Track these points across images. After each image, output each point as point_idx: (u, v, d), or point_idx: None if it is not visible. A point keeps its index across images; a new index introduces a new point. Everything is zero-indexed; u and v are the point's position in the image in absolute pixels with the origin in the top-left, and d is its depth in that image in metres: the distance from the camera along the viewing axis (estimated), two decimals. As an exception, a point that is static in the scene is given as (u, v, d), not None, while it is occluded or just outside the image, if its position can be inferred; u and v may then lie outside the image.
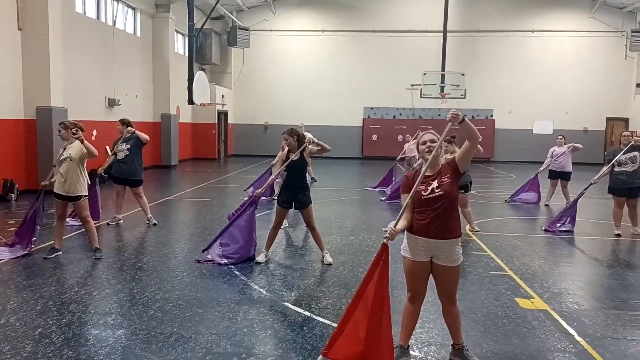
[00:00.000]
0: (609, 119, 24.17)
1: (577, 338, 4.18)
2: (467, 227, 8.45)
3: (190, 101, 16.23)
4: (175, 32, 19.82)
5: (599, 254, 7.37)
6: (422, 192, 3.49)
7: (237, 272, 5.87)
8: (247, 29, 22.98)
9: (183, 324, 4.37)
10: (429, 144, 3.56)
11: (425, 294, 3.69)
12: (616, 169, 8.17)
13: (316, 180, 14.86)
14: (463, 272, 6.03)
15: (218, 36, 23.70)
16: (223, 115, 24.11)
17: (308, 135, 14.51)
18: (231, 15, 23.34)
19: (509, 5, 23.94)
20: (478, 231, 8.31)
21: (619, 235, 8.17)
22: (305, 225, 6.59)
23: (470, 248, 7.32)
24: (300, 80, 24.80)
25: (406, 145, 13.66)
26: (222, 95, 23.12)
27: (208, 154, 22.88)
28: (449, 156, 7.51)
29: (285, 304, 4.90)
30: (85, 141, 6.11)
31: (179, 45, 21.15)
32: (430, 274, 3.62)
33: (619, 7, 23.28)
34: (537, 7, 23.83)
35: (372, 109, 24.69)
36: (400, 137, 23.21)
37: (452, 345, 3.78)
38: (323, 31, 24.69)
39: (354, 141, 24.99)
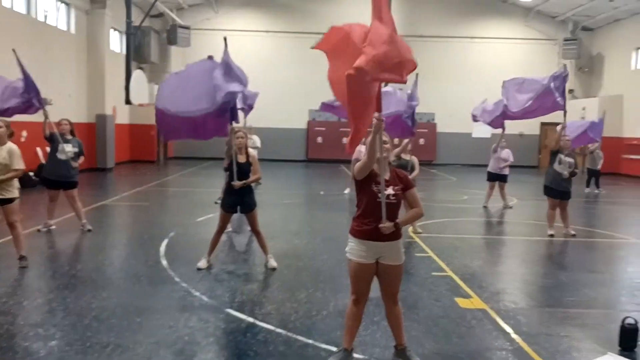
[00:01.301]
0: (543, 124, 25.34)
1: (514, 336, 4.32)
2: (410, 229, 8.59)
3: (128, 101, 15.70)
4: (111, 30, 19.09)
5: (533, 254, 7.69)
6: (379, 194, 3.49)
7: (177, 279, 5.69)
8: (188, 28, 22.51)
9: (120, 333, 4.18)
10: (387, 145, 3.59)
11: (369, 296, 3.70)
12: (557, 167, 8.40)
13: (261, 184, 14.72)
14: (406, 274, 6.10)
15: (157, 34, 23.03)
16: (165, 116, 23.48)
17: (254, 139, 14.41)
18: (171, 13, 22.78)
19: (449, 12, 24.65)
20: (421, 233, 8.47)
21: (552, 235, 8.53)
22: (249, 229, 6.48)
23: (413, 250, 7.44)
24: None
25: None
26: (164, 96, 22.51)
27: (147, 157, 22.18)
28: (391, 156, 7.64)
29: (228, 310, 4.79)
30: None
31: (116, 43, 20.38)
32: (375, 276, 3.64)
33: (551, 16, 24.48)
34: (476, 15, 24.66)
35: (317, 111, 24.72)
36: (345, 140, 23.38)
37: (394, 346, 3.81)
38: (267, 32, 24.55)
39: (299, 144, 24.99)
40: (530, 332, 4.41)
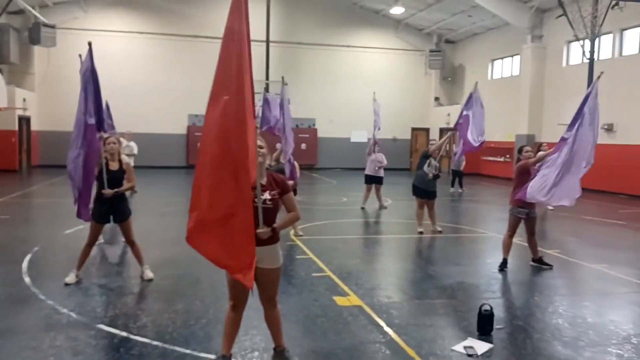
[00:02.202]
0: (413, 129, 27.13)
1: (386, 329, 4.59)
2: (292, 232, 8.75)
3: (-17, 105, 14.15)
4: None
5: (405, 250, 8.22)
6: (254, 199, 3.49)
7: (42, 297, 5.25)
8: (54, 27, 20.86)
9: (-29, 363, 3.77)
10: (257, 149, 3.55)
11: (247, 301, 3.72)
12: (425, 169, 9.10)
13: (136, 192, 14.05)
14: (287, 276, 6.23)
15: (17, 33, 21.04)
16: (25, 121, 21.46)
17: (131, 145, 13.72)
18: (33, 10, 20.90)
19: (325, 21, 25.45)
20: (302, 236, 8.65)
21: (421, 232, 9.19)
22: (123, 240, 6.17)
23: (295, 252, 7.58)
24: (118, 85, 23.15)
25: None
26: (24, 99, 20.64)
27: (7, 165, 20.07)
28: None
29: (100, 325, 4.52)
30: None
31: (-31, 40, 18.30)
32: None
33: (418, 29, 26.31)
34: (350, 24, 25.73)
35: (197, 116, 24.14)
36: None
37: (273, 348, 3.87)
38: (141, 33, 23.51)
39: (179, 149, 24.22)
40: (401, 324, 4.71)
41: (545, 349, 4.25)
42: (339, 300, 5.35)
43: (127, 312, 4.90)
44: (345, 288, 5.80)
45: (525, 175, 6.71)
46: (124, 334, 4.35)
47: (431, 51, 25.75)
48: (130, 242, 6.00)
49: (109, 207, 5.81)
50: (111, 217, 5.88)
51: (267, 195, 3.54)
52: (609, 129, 16.91)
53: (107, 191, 5.66)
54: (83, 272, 5.95)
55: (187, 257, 7.09)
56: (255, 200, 3.48)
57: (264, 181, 3.60)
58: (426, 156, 9.23)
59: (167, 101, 23.66)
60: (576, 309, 5.29)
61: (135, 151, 13.58)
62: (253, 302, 3.88)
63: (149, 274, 5.98)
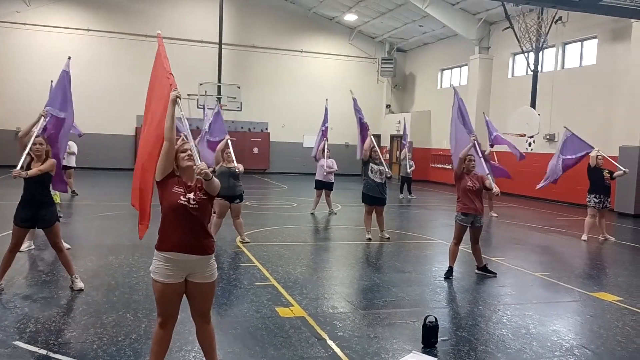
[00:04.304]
0: (365, 135, 27.28)
1: (329, 342, 4.41)
2: (238, 238, 8.47)
3: None
4: None
5: (352, 257, 8.09)
6: (181, 196, 3.27)
7: (-46, 310, 4.78)
8: (-8, 19, 19.75)
9: None
10: (189, 152, 3.38)
11: (177, 318, 3.45)
12: (371, 175, 9.05)
13: (77, 194, 13.38)
14: (229, 286, 5.97)
15: (-50, 25, 19.81)
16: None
17: (69, 145, 13.02)
18: (-33, 1, 19.76)
19: (279, 26, 25.26)
20: (248, 242, 8.38)
21: (369, 239, 9.11)
22: (51, 246, 5.73)
23: (239, 260, 7.31)
24: (62, 82, 22.23)
25: None
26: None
27: None
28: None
29: (16, 342, 4.12)
30: None
31: None
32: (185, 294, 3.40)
33: (371, 36, 26.53)
34: (304, 30, 25.67)
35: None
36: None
37: (206, 368, 3.61)
38: (88, 30, 22.61)
39: (126, 151, 23.37)
40: (345, 336, 4.54)
41: (489, 361, 4.18)
42: (282, 312, 5.13)
43: (50, 327, 4.50)
44: (289, 298, 5.59)
45: (458, 181, 6.79)
46: (43, 351, 3.98)
47: (383, 59, 26.03)
48: (57, 248, 5.58)
49: (32, 211, 5.39)
50: (36, 223, 5.46)
51: (191, 195, 3.30)
52: (550, 139, 17.49)
53: (16, 171, 5.19)
54: (5, 281, 5.48)
55: (125, 265, 6.72)
56: (181, 198, 3.26)
57: (191, 183, 3.37)
58: (365, 162, 9.20)
59: (113, 101, 22.84)
60: (519, 318, 5.28)
61: (74, 149, 12.94)
62: (188, 315, 3.62)
63: (79, 283, 5.58)
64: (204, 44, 23.48)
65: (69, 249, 6.77)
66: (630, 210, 14.34)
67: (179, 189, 3.30)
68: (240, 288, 5.94)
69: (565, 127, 10.69)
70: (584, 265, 8.51)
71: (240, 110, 22.42)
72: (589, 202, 10.33)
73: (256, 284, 6.14)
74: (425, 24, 22.59)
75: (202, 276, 3.35)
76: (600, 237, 10.29)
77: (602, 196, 10.21)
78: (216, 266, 3.48)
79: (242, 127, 24.90)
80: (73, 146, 13.16)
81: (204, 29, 23.39)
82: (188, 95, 22.75)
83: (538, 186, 11.27)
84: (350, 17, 24.57)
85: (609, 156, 10.79)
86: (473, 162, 6.86)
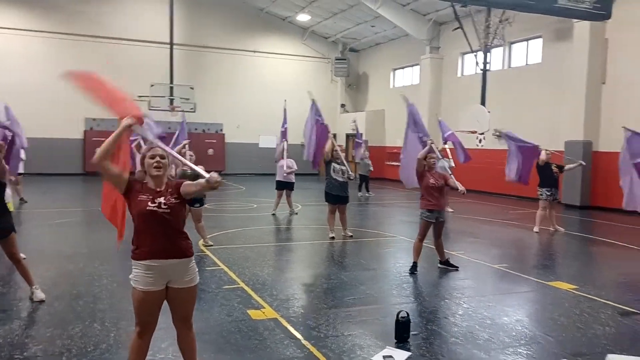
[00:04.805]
0: (321, 135, 27.41)
1: (304, 342, 4.43)
2: (201, 242, 8.36)
3: None
4: None
5: (317, 256, 8.14)
6: (149, 202, 3.20)
7: None
8: None
9: None
10: (158, 159, 3.30)
11: (156, 326, 3.39)
12: (333, 174, 9.15)
13: (27, 202, 12.82)
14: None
15: None
16: None
17: None
18: None
19: (232, 25, 24.99)
20: (211, 245, 8.29)
21: (332, 238, 9.19)
22: (7, 257, 5.49)
23: (204, 264, 7.21)
24: (8, 85, 21.17)
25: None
26: None
27: None
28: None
29: (-23, 360, 3.94)
30: None
31: None
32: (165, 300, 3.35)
33: (324, 37, 26.67)
34: (257, 30, 25.51)
35: (94, 120, 22.68)
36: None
37: (185, 374, 3.56)
38: (35, 31, 21.65)
39: (75, 156, 22.57)
40: (319, 336, 4.58)
41: (462, 352, 4.31)
42: (254, 314, 5.12)
43: (13, 341, 4.31)
44: (260, 300, 5.58)
45: (421, 179, 6.96)
46: (8, 367, 3.82)
47: (337, 59, 26.23)
48: (14, 259, 5.35)
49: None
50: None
51: (161, 200, 3.25)
52: (500, 135, 18.11)
53: None
54: (-42, 296, 5.21)
55: (85, 274, 6.51)
56: (149, 204, 3.19)
57: (160, 188, 3.31)
58: (328, 162, 9.31)
59: (62, 104, 21.90)
60: (484, 309, 5.47)
61: (22, 155, 12.37)
62: (162, 320, 3.55)
63: (39, 294, 5.36)
64: (155, 45, 22.93)
65: (24, 258, 6.49)
66: (577, 202, 15.07)
67: (144, 197, 3.23)
68: (209, 292, 5.87)
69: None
70: (539, 256, 8.89)
71: (194, 111, 22.04)
72: (540, 195, 10.79)
73: (224, 287, 6.08)
74: (377, 24, 22.91)
75: (183, 281, 3.30)
76: (551, 229, 10.76)
77: (552, 189, 10.69)
78: (197, 270, 3.44)
79: (196, 129, 24.48)
80: (20, 152, 12.60)
81: (154, 29, 22.83)
82: (139, 97, 22.24)
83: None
84: (303, 17, 24.61)
85: (555, 151, 11.23)
86: (433, 159, 7.03)
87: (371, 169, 17.26)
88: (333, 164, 9.17)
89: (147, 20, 23.16)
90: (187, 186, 3.31)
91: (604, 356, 3.91)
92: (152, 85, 21.05)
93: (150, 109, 21.39)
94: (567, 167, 11.04)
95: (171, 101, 21.31)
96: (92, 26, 22.49)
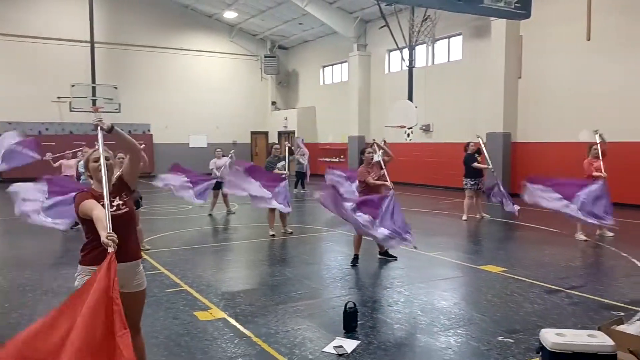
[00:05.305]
0: (253, 133, 27.26)
1: (255, 339, 4.48)
2: (137, 246, 8.13)
3: None
4: None
5: (260, 254, 8.17)
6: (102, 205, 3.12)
7: None
8: None
9: None
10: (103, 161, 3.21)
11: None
12: (276, 171, 9.22)
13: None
14: (139, 296, 5.75)
15: None
16: None
17: None
18: None
19: (156, 23, 24.25)
20: (150, 249, 8.09)
21: (273, 235, 9.24)
22: None
23: (144, 268, 7.02)
24: None
25: (64, 162, 12.53)
26: None
27: None
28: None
29: None
30: None
31: None
32: None
33: (252, 34, 26.50)
34: (183, 27, 24.90)
35: (10, 123, 21.25)
36: (49, 155, 20.80)
37: (137, 379, 3.50)
38: None
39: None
40: (269, 332, 4.64)
41: (406, 337, 4.53)
42: (201, 315, 5.09)
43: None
44: (206, 301, 5.55)
45: (364, 178, 7.11)
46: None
47: (266, 57, 26.16)
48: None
49: None
50: None
51: (118, 201, 3.20)
52: (426, 129, 18.87)
53: None
54: None
55: (15, 284, 6.18)
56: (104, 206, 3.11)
57: (110, 189, 3.24)
58: (274, 161, 9.40)
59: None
60: (424, 295, 5.75)
61: None
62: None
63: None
64: (75, 43, 21.82)
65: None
66: (499, 190, 15.98)
67: (102, 202, 3.15)
68: (152, 296, 5.74)
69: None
70: (469, 242, 9.41)
71: (119, 112, 21.24)
72: (466, 185, 11.38)
73: (167, 290, 5.99)
74: (305, 22, 23.07)
75: (132, 285, 3.27)
76: (477, 216, 11.38)
77: (477, 179, 11.31)
78: (144, 273, 3.41)
79: (121, 130, 23.59)
80: None
81: (74, 27, 21.70)
82: (58, 98, 21.20)
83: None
84: (230, 15, 24.32)
85: (475, 144, 11.70)
86: (370, 153, 7.24)
87: (302, 162, 17.12)
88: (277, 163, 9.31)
89: (67, 18, 21.97)
90: (125, 167, 3.29)
91: (536, 331, 4.24)
92: (73, 86, 20.10)
93: (71, 111, 20.44)
94: (479, 162, 11.40)
95: (94, 102, 20.41)
96: (6, 24, 21.06)
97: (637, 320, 4.52)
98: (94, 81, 20.58)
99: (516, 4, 10.90)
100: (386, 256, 7.49)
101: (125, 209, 3.20)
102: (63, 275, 6.52)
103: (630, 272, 6.77)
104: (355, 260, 7.16)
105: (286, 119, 25.95)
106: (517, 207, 10.16)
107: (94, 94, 20.53)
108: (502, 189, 10.71)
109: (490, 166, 11.37)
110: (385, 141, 7.80)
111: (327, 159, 24.35)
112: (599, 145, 8.73)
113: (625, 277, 6.51)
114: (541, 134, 15.20)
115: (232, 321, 4.92)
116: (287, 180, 9.17)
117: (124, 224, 3.18)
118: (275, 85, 27.42)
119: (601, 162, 8.45)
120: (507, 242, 9.32)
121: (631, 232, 8.89)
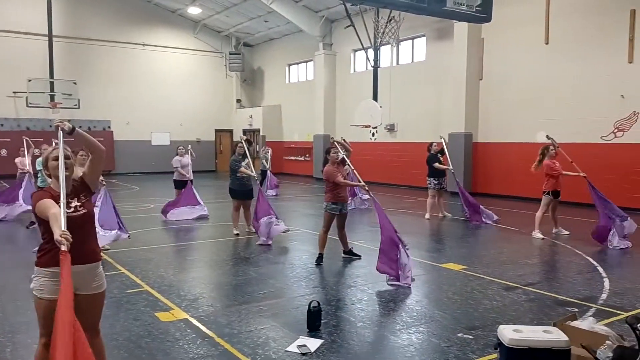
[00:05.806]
0: (217, 130, 26.98)
1: (217, 340, 4.44)
2: (96, 246, 7.93)
3: None
4: None
5: (223, 254, 8.09)
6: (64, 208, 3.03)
7: None
8: None
9: None
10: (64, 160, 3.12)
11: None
12: (238, 174, 9.16)
13: None
14: (98, 297, 5.61)
15: None
16: None
17: None
18: None
19: (117, 17, 23.69)
20: (108, 249, 7.90)
21: (237, 235, 9.17)
22: None
23: (104, 268, 6.85)
24: None
25: (18, 160, 12.09)
26: None
27: None
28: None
29: None
30: None
31: None
32: None
33: (217, 31, 26.21)
34: (146, 22, 24.42)
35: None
36: (4, 152, 20.10)
37: (95, 382, 3.42)
38: None
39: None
40: (232, 332, 4.61)
41: (370, 335, 4.58)
42: (162, 316, 5.01)
43: None
44: (167, 302, 5.47)
45: (331, 179, 7.10)
46: None
47: (231, 54, 25.95)
48: None
49: None
50: None
51: (76, 202, 3.13)
52: (391, 129, 19.08)
53: None
54: None
55: (-34, 288, 5.94)
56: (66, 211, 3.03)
57: (69, 190, 3.17)
58: (239, 160, 9.34)
59: None
60: (387, 294, 5.82)
61: None
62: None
63: None
64: (32, 37, 21.10)
65: None
66: (460, 189, 16.30)
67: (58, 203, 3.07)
68: (112, 297, 5.62)
69: None
70: (431, 240, 9.57)
71: (79, 108, 20.68)
72: (429, 184, 11.57)
73: (128, 291, 5.87)
74: (271, 19, 22.97)
75: (91, 287, 3.20)
76: (440, 215, 11.58)
77: (440, 179, 11.51)
78: (104, 274, 3.33)
79: (80, 126, 22.70)
80: None
81: (31, 19, 20.98)
82: (14, 93, 20.49)
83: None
84: (194, 10, 23.99)
85: (438, 144, 11.93)
86: (336, 153, 7.26)
87: (265, 161, 17.11)
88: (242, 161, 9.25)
89: (24, 10, 21.22)
90: (87, 167, 3.23)
91: (494, 327, 4.35)
92: (29, 81, 19.45)
93: (28, 106, 19.79)
94: (442, 162, 11.62)
95: (52, 97, 19.79)
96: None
97: (590, 316, 4.71)
98: (52, 76, 19.95)
99: (477, 8, 11.14)
100: (351, 255, 7.55)
101: (84, 211, 3.13)
102: (20, 276, 6.32)
103: (583, 269, 7.03)
104: (319, 259, 7.18)
105: (251, 116, 25.80)
106: (495, 217, 10.84)
107: (52, 89, 19.90)
108: (463, 201, 11.02)
109: (451, 167, 11.61)
110: (344, 139, 7.85)
111: (293, 158, 24.34)
112: (554, 146, 9.08)
113: (579, 274, 6.76)
114: (501, 135, 15.59)
115: (195, 322, 4.87)
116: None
117: (82, 225, 3.11)
118: (240, 83, 27.22)
119: (574, 163, 9.09)
120: (468, 240, 9.52)
121: (585, 230, 9.21)
